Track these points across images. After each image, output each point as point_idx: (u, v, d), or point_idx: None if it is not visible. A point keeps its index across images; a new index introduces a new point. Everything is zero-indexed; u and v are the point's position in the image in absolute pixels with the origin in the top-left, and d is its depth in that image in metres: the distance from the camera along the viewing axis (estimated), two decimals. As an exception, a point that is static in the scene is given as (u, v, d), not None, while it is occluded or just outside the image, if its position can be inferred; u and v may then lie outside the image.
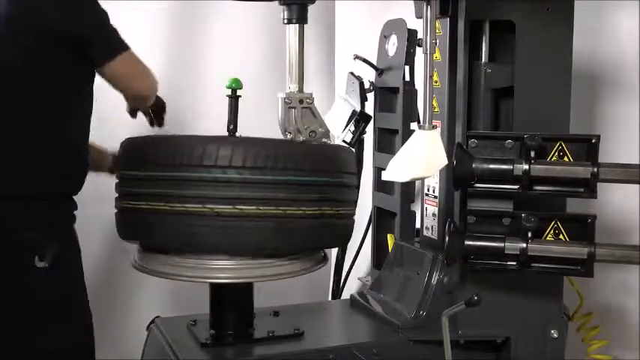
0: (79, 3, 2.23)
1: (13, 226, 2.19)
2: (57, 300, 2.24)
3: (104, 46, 2.26)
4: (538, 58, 2.41)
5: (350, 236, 2.46)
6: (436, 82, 2.50)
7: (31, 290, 2.21)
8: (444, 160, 2.22)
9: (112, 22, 2.28)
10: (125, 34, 3.28)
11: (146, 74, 2.38)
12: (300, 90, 2.34)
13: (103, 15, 2.26)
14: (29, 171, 2.22)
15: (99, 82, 2.37)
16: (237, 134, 2.41)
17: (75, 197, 2.36)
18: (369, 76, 2.86)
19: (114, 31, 2.28)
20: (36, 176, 2.23)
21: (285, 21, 2.31)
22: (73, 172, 2.34)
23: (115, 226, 2.39)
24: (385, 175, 2.26)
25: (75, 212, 2.36)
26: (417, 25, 2.58)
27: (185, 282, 2.31)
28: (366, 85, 2.82)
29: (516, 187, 2.26)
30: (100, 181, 2.64)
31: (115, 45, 2.27)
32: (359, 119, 2.79)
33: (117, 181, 2.38)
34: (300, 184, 2.20)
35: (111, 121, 2.74)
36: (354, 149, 2.74)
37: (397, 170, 2.22)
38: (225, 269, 2.23)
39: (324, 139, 2.38)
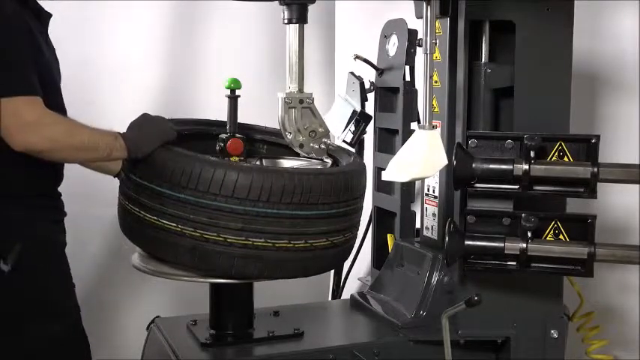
0: None
1: None
2: (25, 301, 2.18)
3: None
4: (538, 58, 2.41)
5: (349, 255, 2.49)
6: (436, 82, 2.50)
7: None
8: (443, 161, 2.22)
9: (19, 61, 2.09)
10: (125, 34, 3.32)
11: (21, 127, 2.06)
12: (300, 90, 2.34)
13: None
14: None
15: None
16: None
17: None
18: (369, 76, 2.86)
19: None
20: None
21: (285, 21, 2.31)
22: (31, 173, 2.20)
23: (115, 226, 2.38)
24: (385, 175, 2.26)
25: (53, 212, 2.29)
26: (417, 25, 2.58)
27: (185, 282, 2.32)
28: (367, 85, 2.82)
29: (516, 187, 2.26)
30: (100, 181, 2.65)
31: None
32: (359, 119, 2.79)
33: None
34: (311, 218, 2.19)
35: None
36: (353, 149, 2.75)
37: (397, 170, 2.21)
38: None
39: (324, 139, 2.39)
